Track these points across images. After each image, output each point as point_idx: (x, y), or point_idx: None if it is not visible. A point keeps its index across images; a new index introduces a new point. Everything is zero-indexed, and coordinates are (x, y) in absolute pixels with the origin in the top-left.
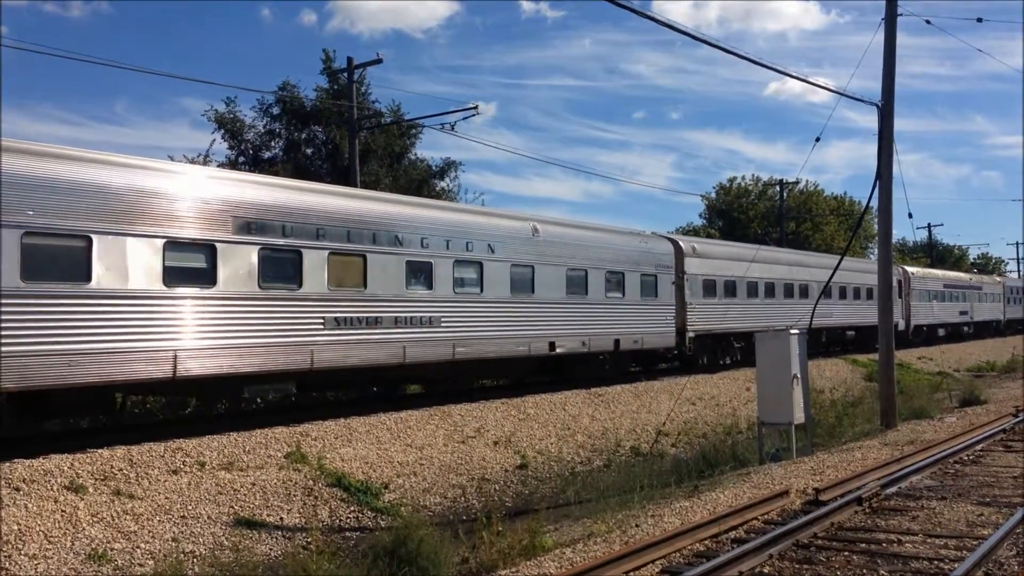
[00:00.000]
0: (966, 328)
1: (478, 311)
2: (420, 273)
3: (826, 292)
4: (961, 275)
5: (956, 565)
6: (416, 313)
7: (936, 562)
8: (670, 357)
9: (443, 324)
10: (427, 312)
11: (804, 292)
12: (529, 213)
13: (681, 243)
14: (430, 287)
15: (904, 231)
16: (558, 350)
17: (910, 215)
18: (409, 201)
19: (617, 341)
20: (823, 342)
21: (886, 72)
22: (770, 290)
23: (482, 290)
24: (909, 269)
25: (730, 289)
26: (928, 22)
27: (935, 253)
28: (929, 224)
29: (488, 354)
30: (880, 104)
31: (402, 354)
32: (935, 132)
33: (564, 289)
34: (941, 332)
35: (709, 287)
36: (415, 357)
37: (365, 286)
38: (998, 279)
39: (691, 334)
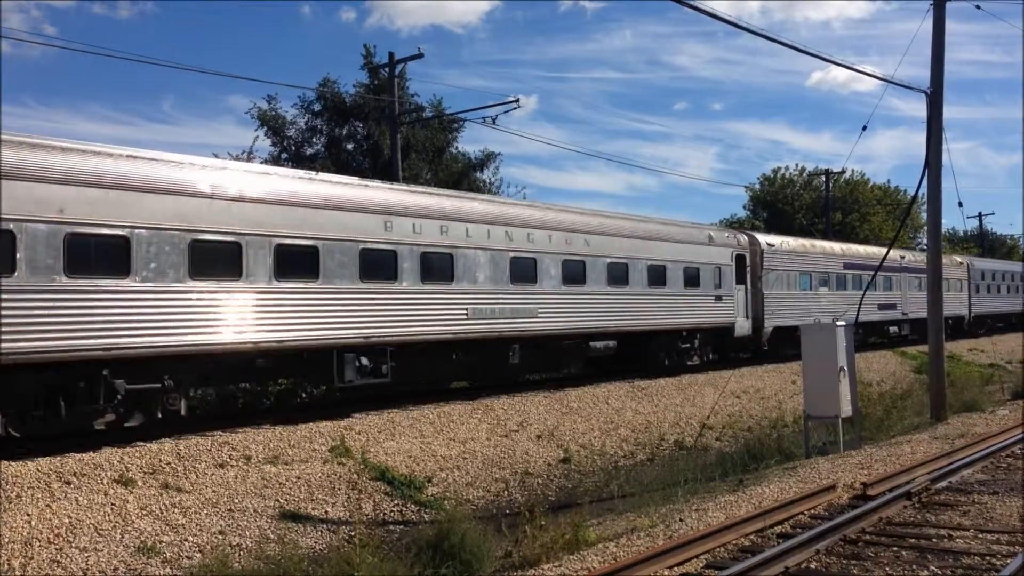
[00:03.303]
0: (894, 328)
1: None
2: None
3: (559, 275)
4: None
5: (1008, 561)
6: None
7: (988, 558)
8: None
9: None
10: None
11: (518, 274)
12: None
13: None
14: None
15: (954, 220)
16: None
17: (960, 204)
18: None
19: None
20: (515, 363)
21: (935, 59)
22: (332, 265)
23: None
24: (761, 239)
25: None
26: (978, 7)
27: (986, 243)
28: (980, 213)
29: None
30: (929, 91)
31: None
32: (985, 120)
33: None
34: None
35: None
36: None
37: None
38: (959, 260)
39: None
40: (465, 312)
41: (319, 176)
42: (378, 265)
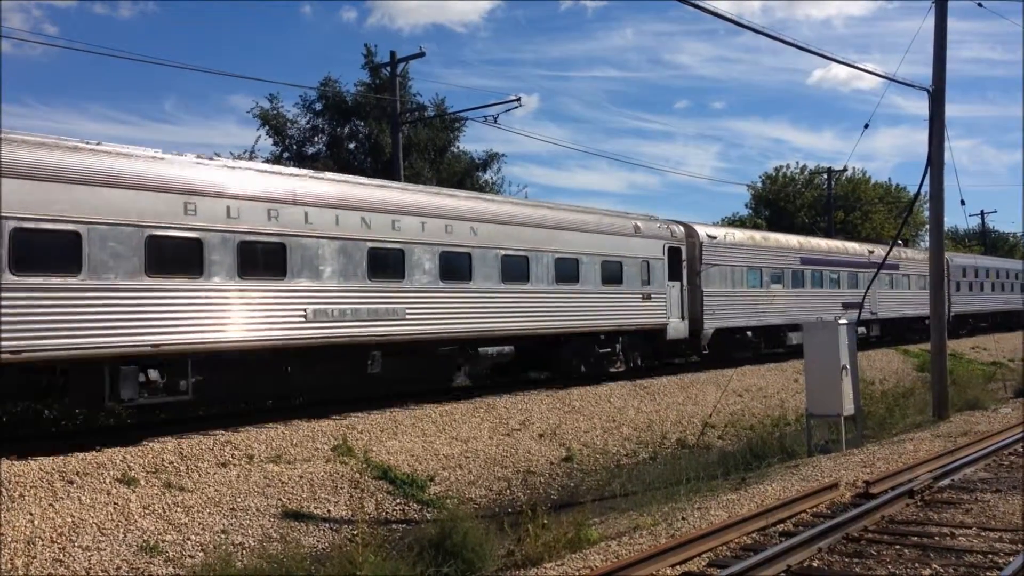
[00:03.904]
0: (861, 329)
1: None
2: None
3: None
4: (850, 246)
5: (1011, 559)
6: None
7: (990, 556)
8: None
9: None
10: None
11: (379, 268)
12: None
13: None
14: None
15: (956, 219)
16: None
17: (962, 202)
18: None
19: None
20: (375, 374)
21: (937, 57)
22: None
23: None
24: (701, 230)
25: None
26: (980, 5)
27: (988, 240)
28: (982, 211)
29: None
30: (931, 89)
31: None
32: (987, 117)
33: None
34: (797, 339)
35: None
36: None
37: None
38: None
39: None
40: (303, 314)
41: (92, 146)
42: (175, 257)
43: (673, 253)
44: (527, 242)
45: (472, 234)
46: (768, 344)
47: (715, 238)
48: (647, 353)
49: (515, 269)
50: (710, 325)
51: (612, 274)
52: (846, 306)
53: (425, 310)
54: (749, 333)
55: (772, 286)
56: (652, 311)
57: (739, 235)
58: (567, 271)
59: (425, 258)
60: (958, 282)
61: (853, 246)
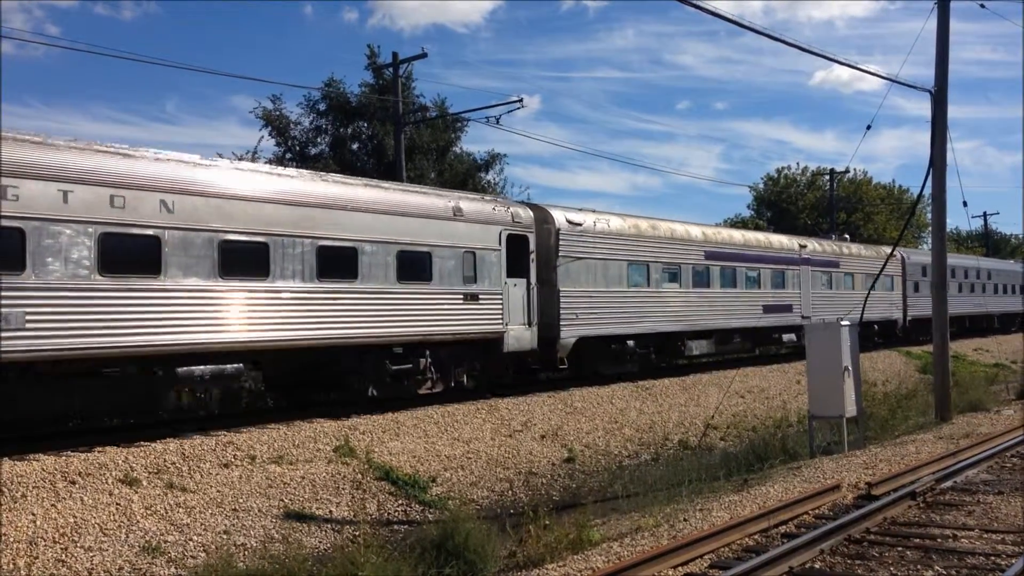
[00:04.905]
0: (790, 336)
1: None
2: None
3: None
4: (775, 240)
5: (1013, 561)
6: None
7: (992, 558)
8: None
9: None
10: None
11: None
12: None
13: None
14: None
15: (959, 220)
16: None
17: (964, 203)
18: None
19: None
20: None
21: (939, 58)
22: None
23: None
24: (558, 215)
25: None
26: (982, 6)
27: (991, 242)
28: (985, 213)
29: None
30: (933, 90)
31: None
32: (989, 119)
33: None
34: (699, 348)
35: None
36: None
37: None
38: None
39: None
40: None
41: None
42: None
43: (516, 242)
44: (267, 224)
45: (164, 210)
46: (661, 356)
47: (579, 224)
48: (485, 369)
49: (245, 260)
50: (570, 333)
51: (415, 268)
52: (770, 309)
53: (69, 316)
54: (631, 343)
55: (664, 285)
56: (480, 316)
57: (616, 222)
58: (339, 263)
59: (72, 242)
60: (916, 283)
61: (780, 239)
